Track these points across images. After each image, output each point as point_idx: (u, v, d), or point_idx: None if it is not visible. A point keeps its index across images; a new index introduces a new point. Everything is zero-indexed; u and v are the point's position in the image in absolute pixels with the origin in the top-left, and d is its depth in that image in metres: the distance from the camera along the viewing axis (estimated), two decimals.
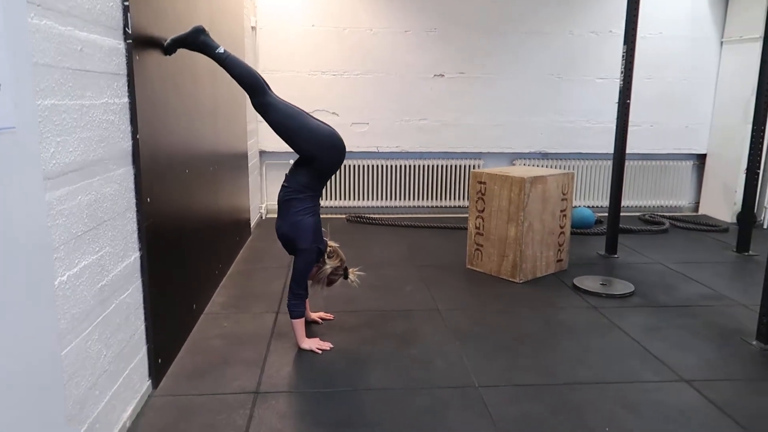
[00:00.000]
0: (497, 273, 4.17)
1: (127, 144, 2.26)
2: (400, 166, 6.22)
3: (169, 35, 2.67)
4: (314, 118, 2.99)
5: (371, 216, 6.03)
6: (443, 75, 6.07)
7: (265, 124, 5.76)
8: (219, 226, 3.86)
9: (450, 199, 6.34)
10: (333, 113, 6.04)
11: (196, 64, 3.25)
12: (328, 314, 3.38)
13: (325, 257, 3.04)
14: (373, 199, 6.27)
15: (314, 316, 3.31)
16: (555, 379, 2.70)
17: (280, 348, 2.97)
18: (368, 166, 6.19)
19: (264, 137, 6.01)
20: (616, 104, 4.57)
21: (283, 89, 5.85)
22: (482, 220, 4.22)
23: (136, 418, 2.31)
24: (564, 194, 4.19)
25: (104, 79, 2.04)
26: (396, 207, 6.31)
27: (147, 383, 2.48)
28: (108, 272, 2.07)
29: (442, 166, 6.27)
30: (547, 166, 6.29)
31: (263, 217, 6.06)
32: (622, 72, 4.45)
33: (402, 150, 6.20)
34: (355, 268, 3.21)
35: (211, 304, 3.53)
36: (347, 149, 5.93)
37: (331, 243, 3.13)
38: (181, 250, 2.97)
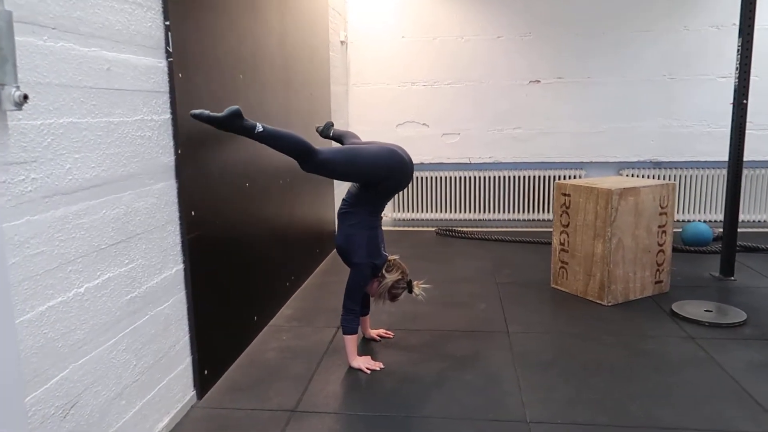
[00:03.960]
0: (583, 294, 3.80)
1: (168, 159, 2.32)
2: (494, 178, 5.96)
3: (214, 52, 2.72)
4: (362, 143, 2.95)
5: (461, 229, 5.82)
6: (539, 81, 5.74)
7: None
8: (293, 238, 3.89)
9: (547, 212, 5.96)
10: (423, 124, 5.95)
11: (265, 74, 3.31)
12: (389, 332, 3.26)
13: (384, 271, 2.93)
14: (464, 212, 6.06)
15: (373, 333, 3.21)
16: (626, 419, 2.36)
17: (330, 365, 2.90)
18: (459, 177, 6.00)
19: None
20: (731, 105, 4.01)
21: (373, 102, 5.92)
22: (567, 236, 3.88)
23: (174, 428, 2.35)
24: (663, 207, 3.74)
25: (139, 96, 2.10)
26: (489, 220, 6.04)
27: (191, 394, 2.52)
28: (140, 284, 2.13)
29: (539, 177, 5.91)
30: (659, 176, 5.71)
31: None
32: (737, 68, 3.90)
33: (495, 161, 5.94)
34: (420, 281, 3.06)
35: (277, 317, 3.56)
36: (437, 161, 5.86)
37: (391, 256, 3.02)
38: (240, 263, 3.01)
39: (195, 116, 2.43)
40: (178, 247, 2.41)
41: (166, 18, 2.26)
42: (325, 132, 3.31)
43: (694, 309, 3.49)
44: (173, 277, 2.36)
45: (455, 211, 6.07)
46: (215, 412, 2.47)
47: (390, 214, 6.17)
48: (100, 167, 1.89)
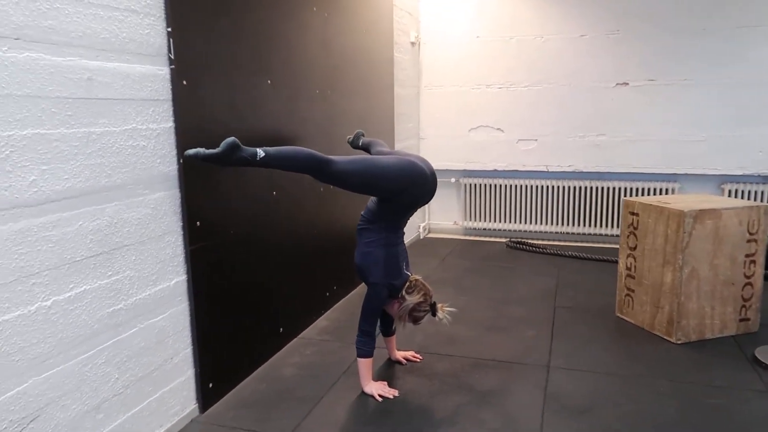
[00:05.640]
0: (650, 327, 3.34)
1: (169, 168, 2.27)
2: (573, 188, 5.49)
3: (230, 58, 2.63)
4: (384, 152, 2.78)
5: (533, 243, 5.42)
6: (627, 83, 5.19)
7: (429, 141, 5.70)
8: (334, 247, 3.75)
9: None
10: (498, 129, 5.61)
11: (301, 79, 3.21)
12: (417, 355, 3.04)
13: (404, 292, 2.72)
14: (539, 223, 5.64)
15: (399, 355, 3.01)
16: None
17: (344, 386, 2.74)
18: (535, 186, 5.59)
19: (425, 154, 5.81)
20: None
21: (445, 105, 5.69)
22: (634, 260, 3.44)
23: None
24: (752, 234, 3.19)
25: (131, 105, 2.06)
26: (566, 233, 5.59)
27: (192, 407, 2.47)
28: (127, 296, 2.09)
29: (624, 189, 5.36)
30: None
31: (421, 237, 5.88)
32: None
33: (576, 170, 5.47)
34: (445, 304, 2.81)
35: (310, 328, 3.46)
36: (512, 168, 5.54)
37: (413, 276, 2.80)
38: (262, 275, 2.94)
39: (189, 157, 2.25)
40: (180, 258, 2.36)
41: (168, 24, 2.21)
42: (355, 142, 3.15)
43: None
44: (172, 289, 2.32)
45: (529, 222, 5.67)
46: (213, 429, 2.40)
47: (461, 222, 5.91)
48: (76, 178, 1.86)
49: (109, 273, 2.01)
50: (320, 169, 2.44)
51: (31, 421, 1.74)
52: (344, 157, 2.54)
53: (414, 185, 2.58)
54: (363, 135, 3.17)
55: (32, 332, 1.73)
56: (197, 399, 2.50)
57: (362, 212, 2.76)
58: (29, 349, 1.73)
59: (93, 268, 1.94)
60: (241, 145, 2.27)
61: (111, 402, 2.05)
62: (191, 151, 2.25)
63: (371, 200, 2.74)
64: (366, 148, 3.06)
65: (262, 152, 2.30)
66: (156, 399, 2.26)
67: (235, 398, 2.65)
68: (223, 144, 2.23)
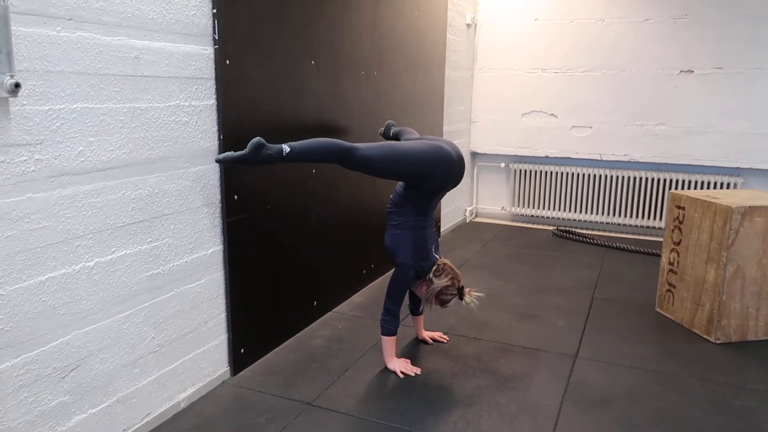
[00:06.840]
0: (689, 325, 3.26)
1: (210, 144, 2.39)
2: (627, 179, 5.34)
3: (274, 40, 2.72)
4: (413, 138, 2.82)
5: (580, 232, 5.32)
6: (692, 71, 4.96)
7: (481, 125, 5.68)
8: (374, 225, 3.82)
9: None
10: (551, 114, 5.51)
11: (345, 61, 3.27)
12: (444, 336, 3.09)
13: (431, 275, 2.77)
14: (589, 212, 5.53)
15: (426, 335, 3.07)
16: None
17: (368, 361, 2.83)
18: (587, 175, 5.47)
19: (476, 138, 5.82)
20: None
21: (499, 88, 5.62)
22: (677, 255, 3.34)
23: (198, 399, 2.47)
24: None
25: (175, 83, 2.19)
26: (616, 224, 5.45)
27: (224, 369, 2.63)
28: (165, 262, 2.24)
29: (682, 182, 5.17)
30: None
31: (467, 221, 5.88)
32: None
33: (631, 159, 5.30)
34: (473, 289, 2.84)
35: (346, 303, 3.57)
36: (563, 155, 5.46)
37: (441, 260, 2.84)
38: (298, 249, 3.05)
39: (220, 161, 2.37)
40: (217, 229, 2.49)
41: (213, 6, 2.31)
42: (386, 133, 3.20)
43: None
44: (208, 258, 2.46)
45: (578, 211, 5.57)
46: (241, 391, 2.55)
47: (509, 208, 5.86)
48: (121, 150, 2.00)
49: (149, 239, 2.16)
50: (345, 158, 2.49)
51: (72, 369, 1.92)
52: (369, 144, 2.59)
53: (440, 170, 2.61)
54: (393, 125, 3.22)
55: (76, 289, 1.90)
56: (229, 362, 2.65)
57: (391, 195, 2.81)
58: (73, 304, 1.90)
59: (134, 234, 2.09)
60: (267, 144, 2.34)
61: (146, 359, 2.21)
62: (220, 156, 2.36)
63: (399, 184, 2.78)
64: (396, 137, 3.10)
65: (287, 148, 2.37)
66: (189, 359, 2.43)
67: (266, 364, 2.80)
68: (249, 145, 2.31)
